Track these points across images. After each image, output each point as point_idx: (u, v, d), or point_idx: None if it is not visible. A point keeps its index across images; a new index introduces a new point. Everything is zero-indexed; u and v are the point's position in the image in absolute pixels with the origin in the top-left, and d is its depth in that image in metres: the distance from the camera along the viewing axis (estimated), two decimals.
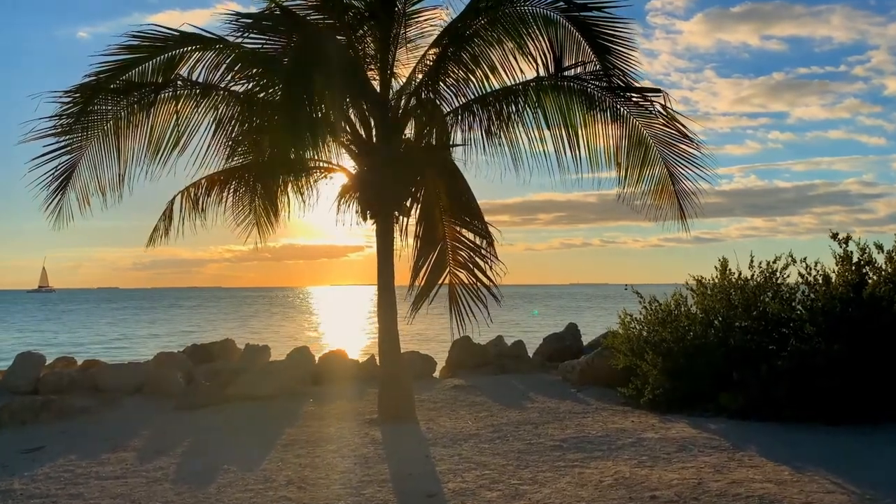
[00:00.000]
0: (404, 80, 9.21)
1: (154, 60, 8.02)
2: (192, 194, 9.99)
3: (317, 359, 12.47)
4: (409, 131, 9.31)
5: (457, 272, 8.93)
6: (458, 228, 8.98)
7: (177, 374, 11.04)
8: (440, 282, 8.93)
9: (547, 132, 8.81)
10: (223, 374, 10.56)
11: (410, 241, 9.16)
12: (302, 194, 10.23)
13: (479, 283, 8.85)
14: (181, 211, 10.05)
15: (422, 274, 8.91)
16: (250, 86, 7.68)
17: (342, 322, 52.70)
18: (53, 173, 8.13)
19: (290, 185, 9.90)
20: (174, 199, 10.09)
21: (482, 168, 9.07)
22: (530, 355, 13.93)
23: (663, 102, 8.36)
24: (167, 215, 10.16)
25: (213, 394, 10.09)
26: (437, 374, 13.17)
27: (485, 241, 8.83)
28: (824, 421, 8.09)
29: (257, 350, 12.46)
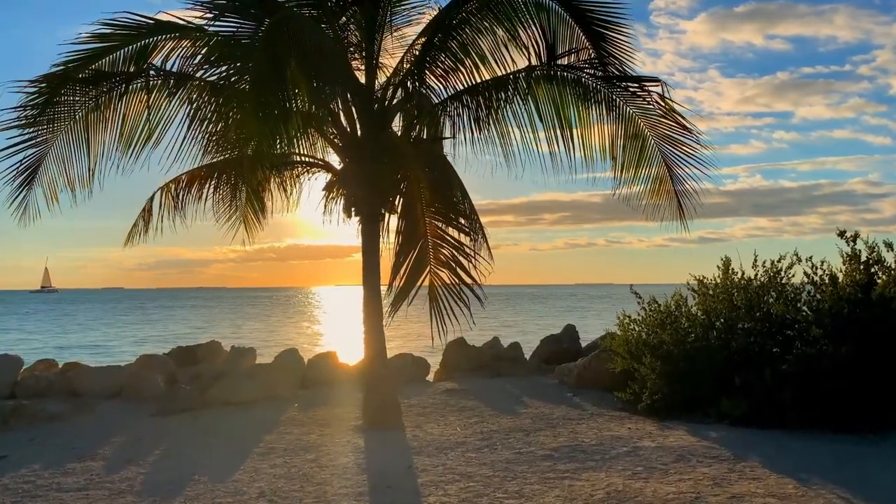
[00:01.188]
0: (391, 71, 8.81)
1: (126, 49, 7.61)
2: (172, 190, 9.64)
3: (306, 361, 12.07)
4: (396, 125, 8.91)
5: (438, 271, 8.47)
6: (440, 225, 8.53)
7: (157, 377, 10.62)
8: (419, 282, 8.48)
9: (539, 125, 8.40)
10: (205, 377, 10.15)
11: (393, 238, 8.74)
12: (286, 191, 9.88)
13: (461, 283, 8.39)
14: (160, 208, 9.72)
15: (402, 272, 8.47)
16: (220, 73, 7.22)
17: (341, 323, 52.18)
18: (18, 167, 7.72)
19: (272, 180, 9.51)
20: (153, 195, 9.75)
21: (472, 164, 8.64)
22: (527, 357, 13.52)
23: (660, 92, 7.95)
24: (147, 212, 9.81)
25: (192, 398, 9.68)
26: (430, 377, 12.79)
27: (469, 239, 8.38)
28: (830, 427, 7.74)
29: (242, 352, 12.03)
